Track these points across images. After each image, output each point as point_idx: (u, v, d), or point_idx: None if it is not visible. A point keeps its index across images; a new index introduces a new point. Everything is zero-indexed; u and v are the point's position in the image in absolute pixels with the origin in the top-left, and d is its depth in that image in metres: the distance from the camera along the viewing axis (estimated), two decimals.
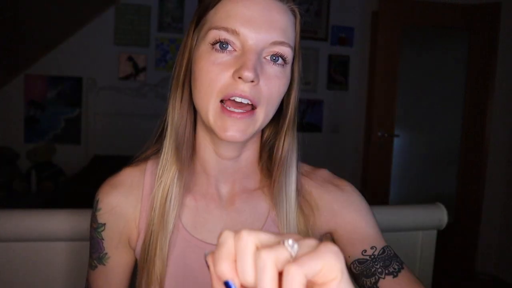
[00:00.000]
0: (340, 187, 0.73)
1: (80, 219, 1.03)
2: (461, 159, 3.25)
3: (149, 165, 0.73)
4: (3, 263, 1.03)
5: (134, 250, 0.72)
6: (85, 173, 2.84)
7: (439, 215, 1.28)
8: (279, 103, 0.66)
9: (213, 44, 0.61)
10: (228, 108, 0.60)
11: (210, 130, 0.65)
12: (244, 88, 0.59)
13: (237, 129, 0.60)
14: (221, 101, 0.61)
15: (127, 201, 0.71)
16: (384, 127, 3.17)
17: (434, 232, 1.31)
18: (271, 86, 0.61)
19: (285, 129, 0.69)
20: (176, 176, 0.67)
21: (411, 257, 1.30)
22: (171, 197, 0.67)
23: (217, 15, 0.62)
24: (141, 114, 3.31)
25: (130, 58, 3.33)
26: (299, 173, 0.72)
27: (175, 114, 0.68)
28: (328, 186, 0.73)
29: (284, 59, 0.62)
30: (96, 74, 3.29)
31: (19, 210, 1.06)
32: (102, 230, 0.71)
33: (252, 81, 0.59)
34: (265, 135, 0.73)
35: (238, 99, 0.60)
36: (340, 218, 0.71)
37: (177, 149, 0.68)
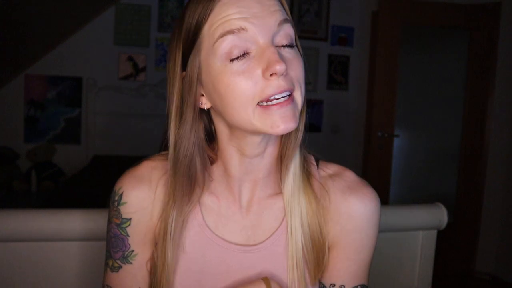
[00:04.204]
0: (363, 199, 0.71)
1: (83, 219, 1.03)
2: (461, 159, 3.25)
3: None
4: (3, 263, 1.03)
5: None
6: (85, 173, 2.83)
7: (439, 215, 1.28)
8: None
9: (227, 52, 0.59)
10: (268, 104, 0.59)
11: (240, 133, 0.64)
12: (280, 83, 0.58)
13: (287, 120, 0.58)
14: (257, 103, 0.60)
15: (152, 195, 0.69)
16: (384, 127, 3.16)
17: (434, 232, 1.31)
18: (295, 68, 0.61)
19: None
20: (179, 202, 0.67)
21: (411, 257, 1.30)
22: (173, 217, 0.67)
23: (214, 25, 0.60)
24: (141, 114, 3.31)
25: (130, 58, 3.33)
26: (301, 154, 0.70)
27: (178, 139, 0.66)
28: (350, 196, 0.71)
29: (291, 38, 0.62)
30: (96, 74, 3.29)
31: (19, 210, 1.06)
32: (127, 226, 0.69)
33: (285, 71, 0.58)
34: None
35: (278, 96, 0.58)
36: (344, 240, 0.71)
37: (177, 169, 0.66)
